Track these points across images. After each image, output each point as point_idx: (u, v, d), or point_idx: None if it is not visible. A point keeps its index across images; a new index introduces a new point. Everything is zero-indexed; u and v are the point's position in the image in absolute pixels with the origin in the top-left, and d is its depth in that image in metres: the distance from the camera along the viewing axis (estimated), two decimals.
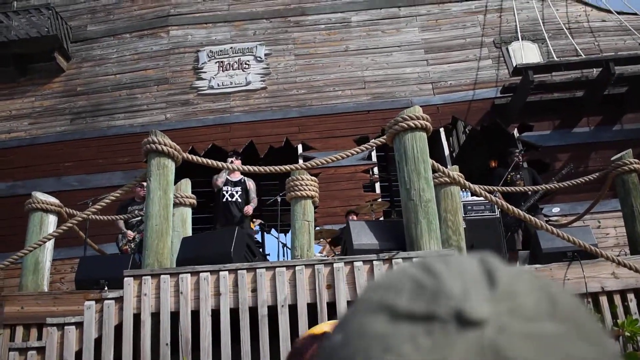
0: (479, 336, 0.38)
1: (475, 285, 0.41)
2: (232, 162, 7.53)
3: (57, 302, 5.44)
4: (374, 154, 10.87)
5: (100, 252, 7.75)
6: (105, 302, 4.60)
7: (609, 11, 12.01)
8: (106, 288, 5.35)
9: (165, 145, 5.13)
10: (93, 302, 4.62)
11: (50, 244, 6.09)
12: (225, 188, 8.14)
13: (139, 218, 7.60)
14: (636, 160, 6.47)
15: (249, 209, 8.03)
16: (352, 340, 0.41)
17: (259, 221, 9.90)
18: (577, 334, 0.40)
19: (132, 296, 4.58)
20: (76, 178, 10.88)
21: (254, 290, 4.61)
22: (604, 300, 5.23)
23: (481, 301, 0.40)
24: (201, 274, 4.63)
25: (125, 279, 4.63)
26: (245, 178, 8.30)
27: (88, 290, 5.44)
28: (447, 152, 10.90)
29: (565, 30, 11.51)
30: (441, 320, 0.39)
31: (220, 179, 8.17)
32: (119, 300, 4.60)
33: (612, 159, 6.74)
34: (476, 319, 0.39)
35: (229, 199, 8.10)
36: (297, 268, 4.67)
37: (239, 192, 8.14)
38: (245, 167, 5.87)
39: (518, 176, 8.57)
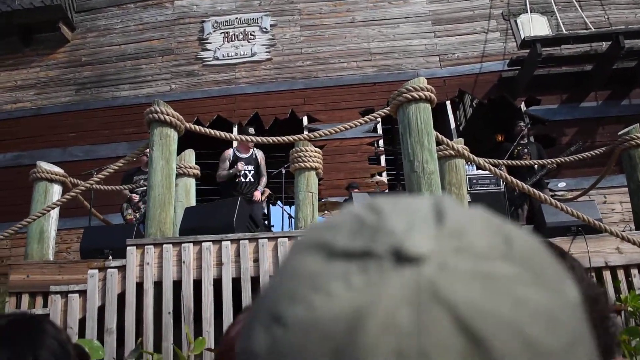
0: (416, 273, 0.35)
1: (421, 223, 0.38)
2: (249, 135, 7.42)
3: (62, 270, 5.46)
4: (379, 126, 10.82)
5: (105, 222, 7.77)
6: (109, 270, 4.62)
7: None
8: (110, 257, 5.37)
9: (167, 114, 5.11)
10: (96, 271, 4.64)
11: (55, 213, 6.10)
12: (239, 166, 7.93)
13: (145, 188, 7.61)
14: None
15: (257, 195, 7.87)
16: (282, 281, 0.39)
17: (267, 192, 9.89)
18: (532, 277, 0.36)
19: (135, 265, 4.60)
20: (81, 149, 10.90)
21: (256, 261, 4.62)
22: (607, 275, 5.21)
23: (424, 238, 0.37)
24: (203, 244, 4.64)
25: (128, 248, 4.65)
26: (256, 151, 8.14)
27: (93, 259, 5.47)
28: (453, 125, 10.84)
29: (575, 2, 11.34)
30: (377, 257, 0.36)
31: (224, 172, 7.93)
32: (122, 269, 4.62)
33: (619, 133, 6.67)
34: (414, 255, 0.36)
35: (242, 179, 7.88)
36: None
37: (252, 171, 7.96)
38: (250, 137, 5.86)
39: (525, 150, 8.53)
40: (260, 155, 8.13)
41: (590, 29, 10.66)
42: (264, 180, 8.10)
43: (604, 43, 10.24)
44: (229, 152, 8.02)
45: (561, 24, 10.99)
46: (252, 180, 7.93)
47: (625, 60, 10.26)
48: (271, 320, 0.37)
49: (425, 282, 0.34)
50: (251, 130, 7.98)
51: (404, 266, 0.35)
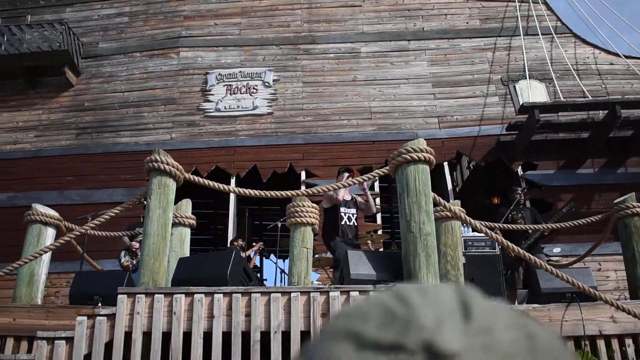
0: None
1: (450, 317, 0.39)
2: (348, 177, 7.00)
3: (49, 315, 5.38)
4: (377, 184, 10.86)
5: (96, 268, 7.70)
6: (98, 318, 4.55)
7: (617, 54, 12.10)
8: (100, 304, 5.29)
9: (167, 164, 5.13)
10: (85, 318, 4.57)
11: (46, 257, 6.05)
12: (342, 210, 7.31)
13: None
14: (639, 204, 6.43)
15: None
16: None
17: (260, 244, 9.85)
18: None
19: (125, 314, 4.53)
20: (78, 193, 10.89)
21: (248, 315, 4.56)
22: (601, 344, 5.15)
23: (454, 334, 0.38)
24: (195, 296, 4.58)
25: (119, 296, 4.59)
26: (353, 194, 7.66)
27: (82, 305, 5.39)
28: (450, 186, 10.89)
29: (573, 71, 11.58)
30: (409, 352, 0.37)
31: (341, 193, 7.19)
32: (112, 317, 4.55)
33: (615, 201, 6.69)
34: (447, 352, 0.36)
35: (347, 222, 7.27)
36: (292, 295, 4.63)
37: (355, 215, 7.44)
38: (247, 191, 5.85)
39: (520, 215, 8.54)
40: (359, 199, 7.64)
41: (588, 97, 10.85)
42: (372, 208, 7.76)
43: (600, 112, 10.41)
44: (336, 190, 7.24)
45: (559, 92, 11.19)
46: (355, 224, 7.42)
47: (621, 129, 10.41)
48: None
49: None
50: (346, 174, 7.29)
51: None
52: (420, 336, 0.37)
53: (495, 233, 6.29)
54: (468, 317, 0.39)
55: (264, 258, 12.35)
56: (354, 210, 7.39)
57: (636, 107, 10.27)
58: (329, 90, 11.88)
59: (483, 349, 0.37)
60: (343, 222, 7.23)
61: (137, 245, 7.91)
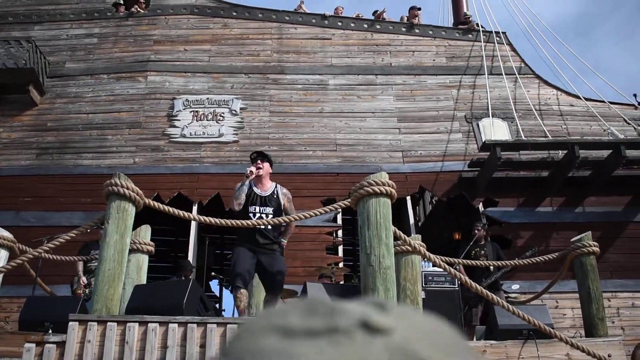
0: (388, 341, 0.39)
1: (370, 308, 0.42)
2: (257, 165, 6.08)
3: None
4: (339, 217, 10.86)
5: (50, 293, 7.49)
6: (47, 345, 4.42)
7: (577, 97, 12.44)
8: (50, 331, 5.14)
9: (127, 188, 5.05)
10: (33, 345, 4.43)
11: None
12: (252, 208, 5.89)
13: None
14: (595, 243, 6.54)
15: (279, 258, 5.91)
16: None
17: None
18: (463, 346, 0.43)
19: (75, 342, 4.41)
20: (35, 214, 10.64)
21: (203, 346, 4.48)
22: None
23: (382, 316, 0.41)
24: (149, 325, 4.49)
25: (70, 323, 4.47)
26: (279, 188, 6.14)
27: (32, 331, 5.23)
28: (412, 220, 10.96)
29: (535, 111, 11.86)
30: (344, 332, 0.39)
31: (237, 200, 5.93)
32: (61, 345, 4.43)
33: (572, 240, 6.82)
34: (383, 327, 0.40)
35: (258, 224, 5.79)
36: None
37: (270, 215, 5.90)
38: (208, 219, 5.79)
39: (482, 252, 8.62)
40: (283, 193, 6.06)
41: (548, 137, 11.10)
42: (290, 229, 6.14)
43: (560, 151, 10.65)
44: (247, 182, 6.07)
45: (520, 131, 11.42)
46: (270, 227, 5.87)
47: (579, 169, 10.66)
48: None
49: (397, 347, 0.39)
50: (258, 161, 6.18)
51: (375, 336, 0.39)
52: (352, 317, 0.40)
53: (457, 268, 6.33)
54: (385, 310, 0.42)
55: (223, 288, 12.21)
56: (270, 209, 5.92)
57: (594, 148, 10.55)
58: (295, 121, 11.92)
59: (410, 328, 0.41)
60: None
61: (85, 281, 7.73)
